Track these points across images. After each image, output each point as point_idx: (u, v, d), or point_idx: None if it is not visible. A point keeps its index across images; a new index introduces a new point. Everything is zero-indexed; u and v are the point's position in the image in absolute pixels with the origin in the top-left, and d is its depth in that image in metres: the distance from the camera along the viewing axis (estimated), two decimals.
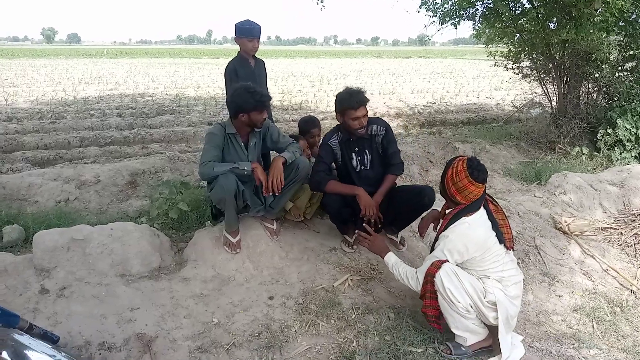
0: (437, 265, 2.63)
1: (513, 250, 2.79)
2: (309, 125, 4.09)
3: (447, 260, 2.64)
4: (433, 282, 2.64)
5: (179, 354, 2.64)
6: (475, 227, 2.62)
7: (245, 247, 3.52)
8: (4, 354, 1.91)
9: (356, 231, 3.23)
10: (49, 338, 2.36)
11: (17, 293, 2.89)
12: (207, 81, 20.41)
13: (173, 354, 2.64)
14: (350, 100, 3.27)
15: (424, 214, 3.35)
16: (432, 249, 2.80)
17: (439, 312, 2.73)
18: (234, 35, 4.18)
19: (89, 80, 19.99)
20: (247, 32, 4.11)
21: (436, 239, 2.79)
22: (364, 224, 3.15)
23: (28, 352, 1.97)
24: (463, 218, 2.63)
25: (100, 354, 2.57)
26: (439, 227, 2.82)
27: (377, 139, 3.50)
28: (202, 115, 11.22)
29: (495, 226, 2.67)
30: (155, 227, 3.87)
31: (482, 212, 2.68)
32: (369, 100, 3.36)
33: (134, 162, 5.82)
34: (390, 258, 2.95)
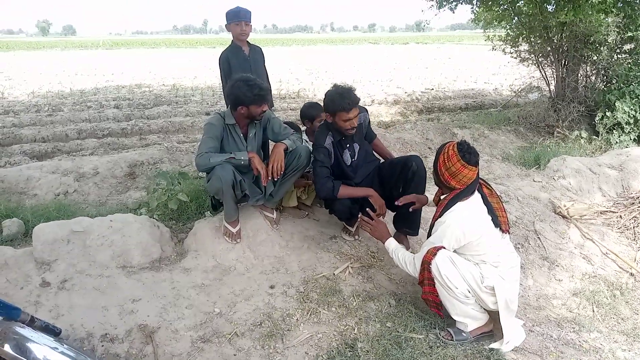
0: (433, 252, 2.64)
1: (509, 233, 2.79)
2: (316, 110, 3.90)
3: (443, 247, 2.64)
4: (430, 270, 2.65)
5: (182, 344, 2.66)
6: (471, 211, 2.62)
7: (245, 236, 3.52)
8: (7, 347, 1.92)
9: (359, 215, 3.23)
10: (51, 330, 2.37)
11: (18, 286, 2.89)
12: (204, 71, 20.29)
13: (176, 345, 2.65)
14: (342, 102, 3.13)
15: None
16: (429, 235, 2.80)
17: (439, 298, 2.74)
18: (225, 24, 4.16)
19: (85, 72, 19.86)
20: (233, 15, 4.08)
21: (432, 225, 2.80)
22: (367, 209, 3.16)
23: (30, 345, 1.98)
24: (458, 203, 2.63)
25: (102, 345, 2.59)
26: (434, 213, 2.81)
27: (362, 126, 3.50)
28: (200, 105, 11.16)
29: (490, 210, 2.68)
30: (155, 218, 3.86)
31: (477, 196, 2.68)
32: (360, 100, 3.27)
33: (132, 153, 5.80)
34: (391, 243, 2.97)
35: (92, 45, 50.22)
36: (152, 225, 3.50)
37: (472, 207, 2.63)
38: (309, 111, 3.95)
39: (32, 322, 2.27)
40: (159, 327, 2.74)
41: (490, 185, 2.87)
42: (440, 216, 2.68)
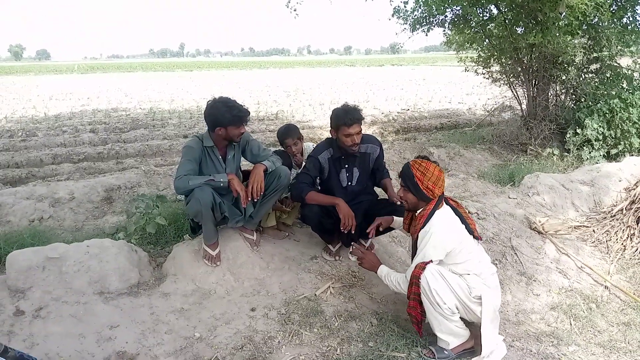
0: (422, 266, 2.68)
1: (481, 240, 2.89)
2: (286, 134, 3.95)
3: (430, 262, 2.68)
4: (419, 284, 2.68)
5: None
6: (449, 216, 2.74)
7: (225, 259, 3.50)
8: None
9: (352, 244, 3.28)
10: None
11: None
12: (181, 94, 20.27)
13: None
14: (345, 117, 3.28)
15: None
16: (414, 249, 2.84)
17: (421, 315, 2.76)
18: None
19: (60, 97, 19.63)
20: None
21: (415, 239, 2.83)
22: (352, 244, 3.22)
23: None
24: (437, 212, 2.72)
25: None
26: (416, 227, 2.84)
27: (369, 157, 3.55)
28: (177, 129, 11.13)
29: (462, 219, 2.77)
30: (133, 242, 3.81)
31: (447, 206, 2.78)
32: (363, 119, 3.38)
33: (109, 177, 5.74)
34: (382, 270, 3.01)
35: (67, 70, 49.79)
36: (129, 250, 3.45)
37: (449, 213, 2.75)
38: (281, 136, 3.97)
39: (5, 353, 2.20)
40: (138, 354, 2.69)
41: (454, 199, 2.96)
42: (423, 227, 2.72)
